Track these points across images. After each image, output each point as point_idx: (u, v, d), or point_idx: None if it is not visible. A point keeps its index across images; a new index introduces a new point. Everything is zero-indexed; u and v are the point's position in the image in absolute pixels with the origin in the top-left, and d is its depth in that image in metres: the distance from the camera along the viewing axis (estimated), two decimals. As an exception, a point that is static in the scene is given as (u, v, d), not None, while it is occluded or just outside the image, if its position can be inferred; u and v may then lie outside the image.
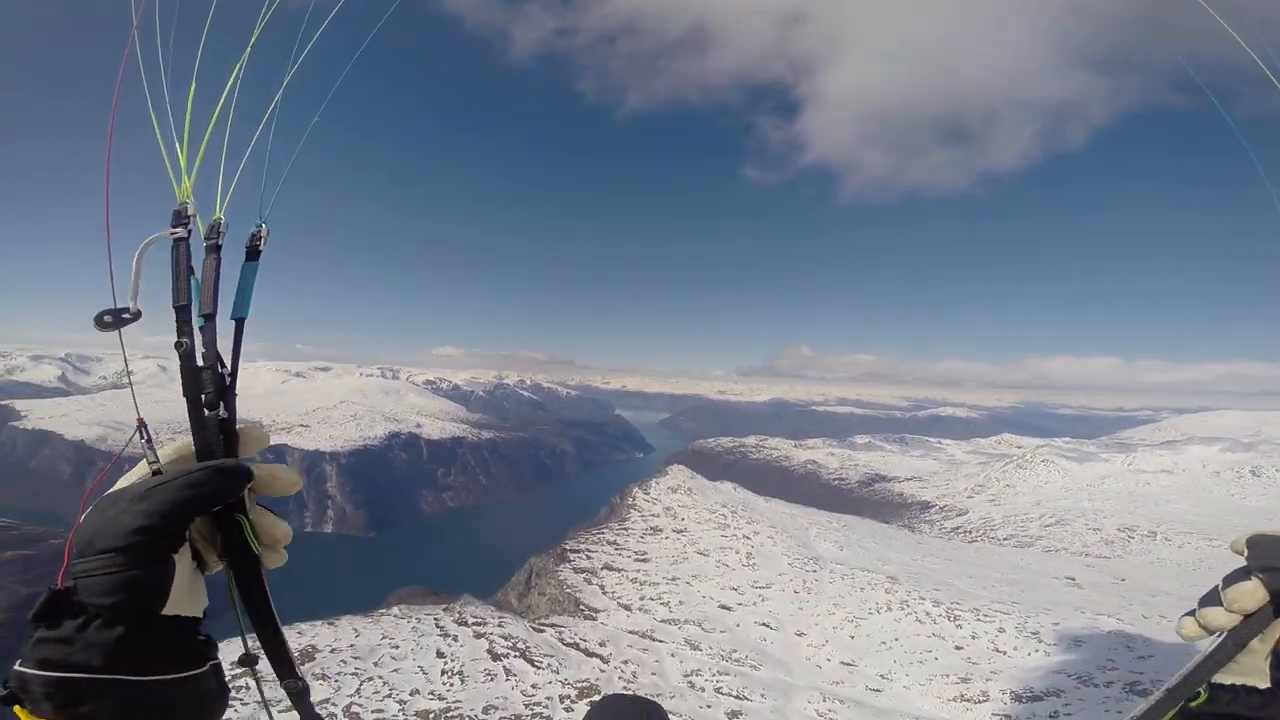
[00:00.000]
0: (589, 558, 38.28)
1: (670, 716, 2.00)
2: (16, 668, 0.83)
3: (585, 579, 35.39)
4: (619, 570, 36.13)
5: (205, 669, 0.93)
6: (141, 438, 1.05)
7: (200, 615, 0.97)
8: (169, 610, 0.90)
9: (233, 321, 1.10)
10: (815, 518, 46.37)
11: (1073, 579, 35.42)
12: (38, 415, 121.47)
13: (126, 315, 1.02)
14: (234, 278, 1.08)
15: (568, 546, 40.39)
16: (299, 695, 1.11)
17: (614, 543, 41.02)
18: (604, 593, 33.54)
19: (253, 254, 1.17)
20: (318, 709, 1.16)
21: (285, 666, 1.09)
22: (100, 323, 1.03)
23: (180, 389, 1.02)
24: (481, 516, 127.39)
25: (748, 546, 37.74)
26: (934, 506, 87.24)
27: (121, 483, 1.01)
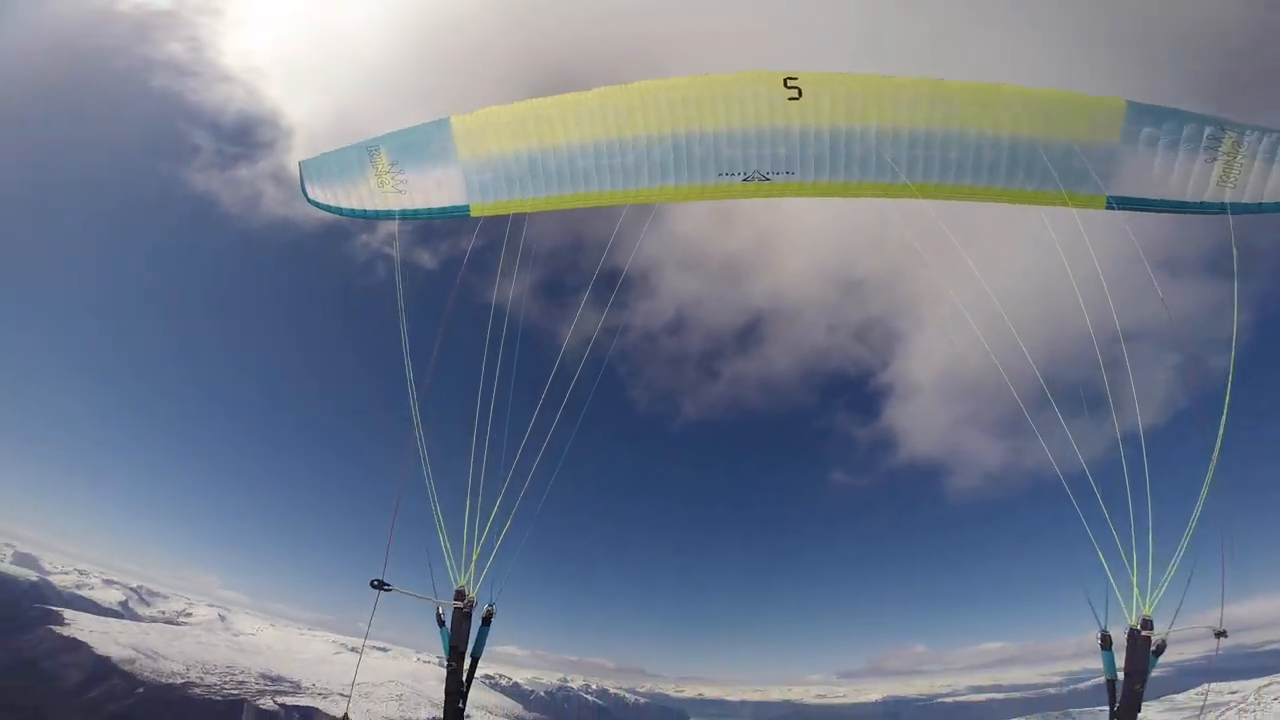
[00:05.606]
0: None
1: None
2: None
3: None
4: None
5: None
6: None
7: None
8: None
9: (471, 658, 3.94)
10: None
11: None
12: (80, 626, 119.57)
13: (388, 586, 3.64)
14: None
15: None
16: None
17: None
18: None
19: (487, 621, 3.94)
20: None
21: None
22: (371, 584, 3.71)
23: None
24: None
25: None
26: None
27: None
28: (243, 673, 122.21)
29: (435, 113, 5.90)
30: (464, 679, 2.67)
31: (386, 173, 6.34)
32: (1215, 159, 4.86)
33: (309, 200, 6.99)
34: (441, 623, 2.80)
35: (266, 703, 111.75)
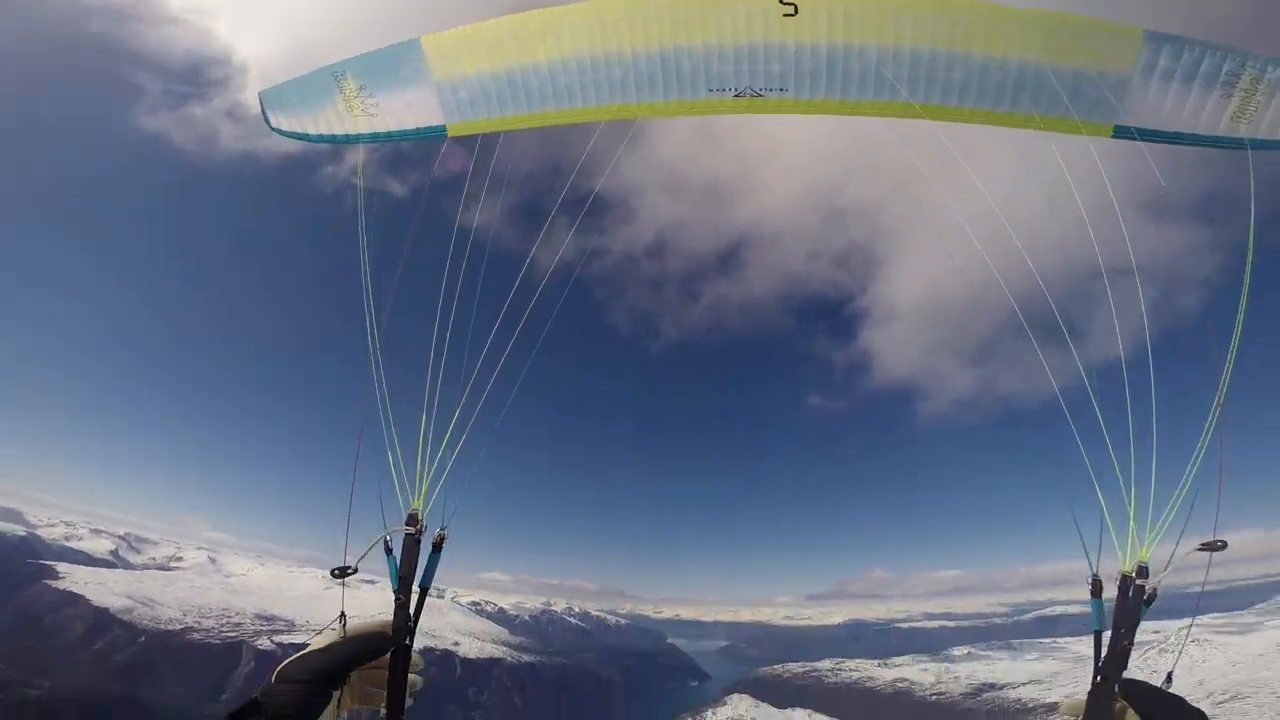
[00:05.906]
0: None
1: None
2: None
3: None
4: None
5: None
6: (340, 621, 2.47)
7: None
8: None
9: (420, 588, 2.74)
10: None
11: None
12: (75, 579, 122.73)
13: (351, 570, 2.49)
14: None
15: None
16: None
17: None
18: None
19: (438, 547, 2.82)
20: None
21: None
22: (333, 574, 2.53)
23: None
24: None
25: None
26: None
27: (320, 640, 2.20)
28: (238, 614, 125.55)
29: (394, 40, 5.42)
30: (411, 612, 2.41)
31: (355, 97, 5.91)
32: (1232, 94, 4.62)
33: (273, 129, 6.55)
34: (389, 550, 2.53)
35: (264, 643, 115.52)
